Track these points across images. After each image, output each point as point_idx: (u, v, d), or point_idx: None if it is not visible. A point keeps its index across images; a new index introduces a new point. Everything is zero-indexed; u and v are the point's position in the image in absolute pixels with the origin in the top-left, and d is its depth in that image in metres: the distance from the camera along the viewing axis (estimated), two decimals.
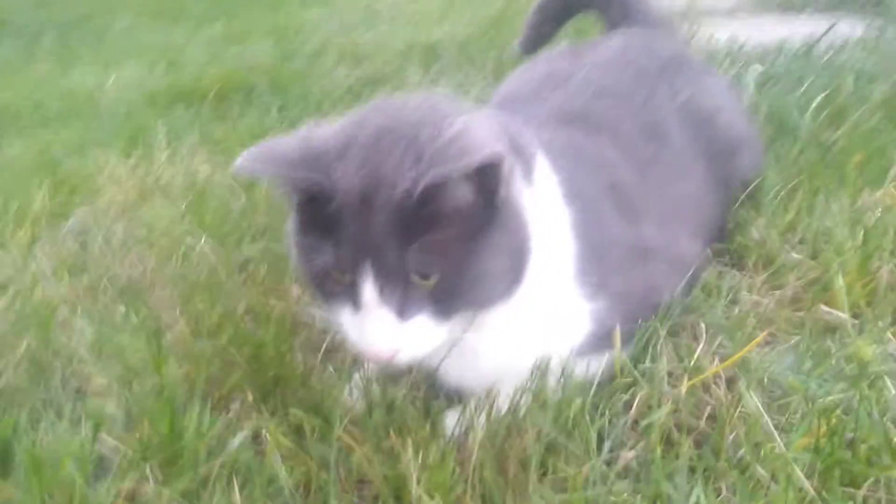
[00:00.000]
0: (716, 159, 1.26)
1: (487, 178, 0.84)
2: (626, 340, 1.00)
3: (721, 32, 2.57)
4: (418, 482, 0.81)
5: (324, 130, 0.92)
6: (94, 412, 1.00)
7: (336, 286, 0.88)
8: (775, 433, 0.84)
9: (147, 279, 1.34)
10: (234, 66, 2.70)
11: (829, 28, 2.31)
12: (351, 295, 0.87)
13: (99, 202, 1.66)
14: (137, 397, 1.00)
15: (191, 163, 1.79)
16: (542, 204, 0.96)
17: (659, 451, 0.84)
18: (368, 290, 0.85)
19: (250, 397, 1.02)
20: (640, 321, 1.02)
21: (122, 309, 1.24)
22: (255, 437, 0.96)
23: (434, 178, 0.80)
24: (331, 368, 1.07)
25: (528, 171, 0.96)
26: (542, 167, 0.99)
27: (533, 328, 0.96)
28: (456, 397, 1.00)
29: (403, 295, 0.85)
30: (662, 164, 1.19)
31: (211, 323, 1.15)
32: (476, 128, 0.86)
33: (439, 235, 0.84)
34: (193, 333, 1.14)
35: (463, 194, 0.84)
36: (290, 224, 0.94)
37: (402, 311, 0.85)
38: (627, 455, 0.88)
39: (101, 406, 1.02)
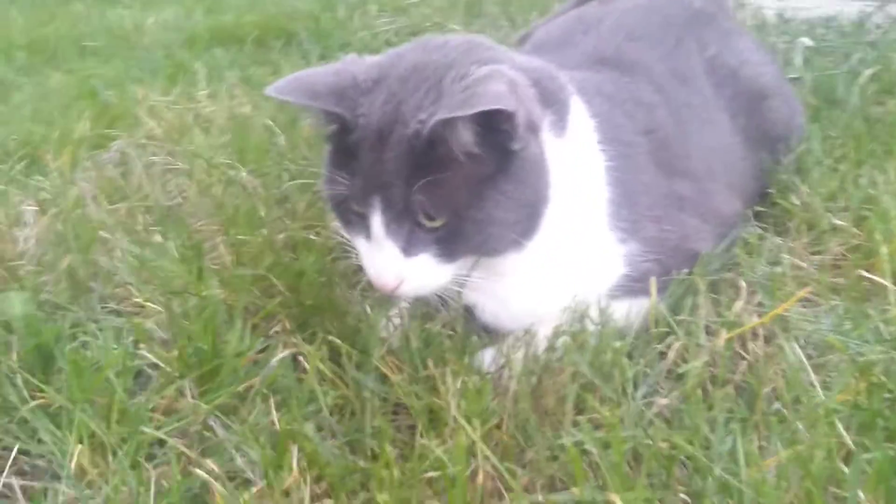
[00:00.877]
0: (744, 110, 1.25)
1: (497, 128, 0.85)
2: (661, 290, 1.00)
3: (769, 5, 2.53)
4: (456, 408, 0.82)
5: (361, 63, 0.94)
6: (135, 327, 1.01)
7: (353, 216, 0.92)
8: (817, 384, 0.84)
9: (187, 208, 1.35)
10: (274, 12, 2.69)
11: (881, 5, 2.27)
12: (364, 226, 0.90)
13: (139, 133, 1.67)
14: (177, 316, 1.01)
15: (231, 101, 1.79)
16: (576, 151, 0.97)
17: (696, 397, 0.85)
18: (377, 223, 0.88)
19: (288, 324, 1.03)
20: (674, 271, 1.02)
21: (161, 235, 1.25)
22: (293, 361, 0.97)
23: (438, 120, 0.81)
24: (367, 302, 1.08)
25: (560, 120, 0.96)
26: (578, 112, 0.99)
27: (564, 270, 0.97)
28: (491, 337, 1.01)
29: (409, 232, 0.88)
30: (694, 112, 1.18)
31: (251, 251, 1.15)
32: (498, 77, 0.87)
33: (446, 179, 0.85)
34: (233, 260, 1.15)
35: (469, 140, 0.85)
36: (323, 154, 0.97)
37: (407, 248, 0.88)
38: (662, 401, 0.88)
39: (140, 323, 1.03)
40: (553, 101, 0.95)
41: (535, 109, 0.90)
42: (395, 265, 0.89)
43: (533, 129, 0.90)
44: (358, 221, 0.91)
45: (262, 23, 2.49)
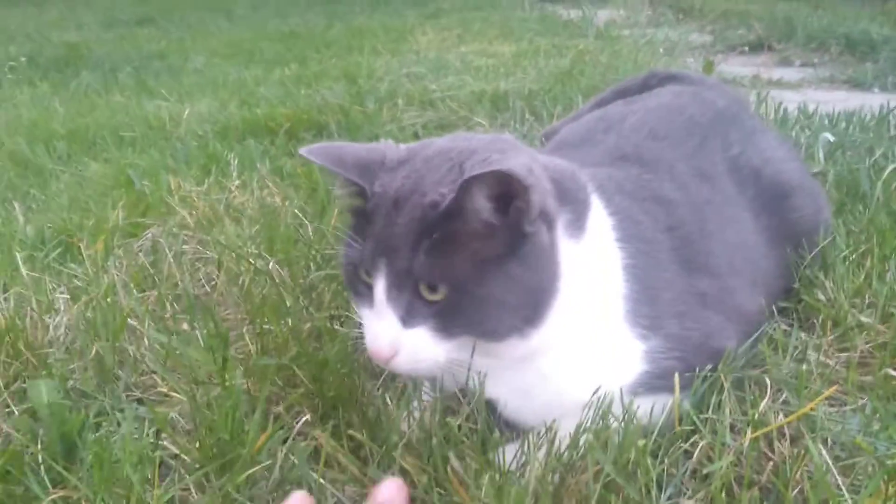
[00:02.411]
0: (767, 209, 1.25)
1: (513, 205, 0.86)
2: (685, 387, 0.99)
3: (790, 101, 2.57)
4: None
5: (393, 147, 0.98)
6: (157, 418, 1.02)
7: (362, 286, 0.93)
8: (843, 487, 0.82)
9: (215, 296, 1.38)
10: (305, 105, 2.77)
11: None
12: (370, 296, 0.91)
13: (171, 222, 1.71)
14: (200, 406, 1.01)
15: (261, 191, 1.83)
16: (593, 250, 0.97)
17: (721, 500, 0.83)
18: (380, 289, 0.89)
19: (310, 416, 1.03)
20: (698, 369, 1.01)
21: (188, 324, 1.27)
22: (314, 452, 0.96)
23: (460, 182, 0.83)
24: (388, 395, 1.08)
25: (577, 220, 0.97)
26: (597, 212, 1.01)
27: (583, 366, 0.97)
28: (514, 433, 1.00)
29: (409, 302, 0.88)
30: (717, 210, 1.18)
31: (276, 341, 1.17)
32: (519, 156, 0.89)
33: (453, 251, 0.86)
34: (258, 349, 1.16)
35: (485, 209, 0.86)
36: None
37: (406, 318, 0.89)
38: (687, 503, 0.87)
39: (164, 413, 1.04)
40: (571, 199, 0.97)
41: (551, 201, 0.92)
42: (392, 334, 0.89)
43: (546, 219, 0.91)
44: (365, 292, 0.93)
45: (294, 115, 2.57)
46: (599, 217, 1.00)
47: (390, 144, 0.99)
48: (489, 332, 0.90)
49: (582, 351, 0.97)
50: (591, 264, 0.97)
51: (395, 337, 0.89)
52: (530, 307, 0.91)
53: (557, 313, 0.92)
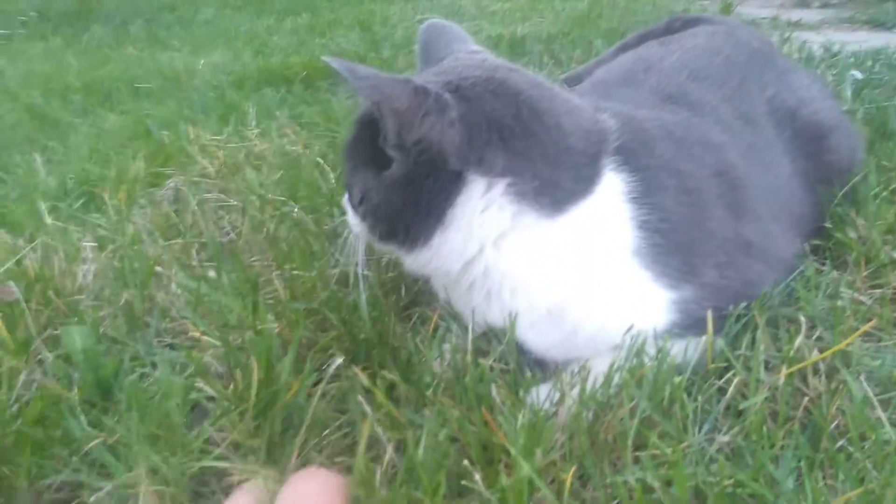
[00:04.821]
0: (803, 151, 1.23)
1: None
2: (719, 328, 0.98)
3: (814, 38, 2.52)
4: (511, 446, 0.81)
5: (473, 53, 1.09)
6: (193, 361, 1.02)
7: None
8: (884, 418, 0.81)
9: (240, 244, 1.38)
10: (319, 54, 2.74)
11: None
12: None
13: (192, 171, 1.70)
14: (233, 349, 1.02)
15: (281, 139, 1.82)
16: (581, 217, 0.95)
17: (759, 434, 0.83)
18: None
19: (342, 359, 1.04)
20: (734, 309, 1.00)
21: (216, 271, 1.27)
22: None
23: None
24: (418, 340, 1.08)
25: (552, 189, 0.94)
26: (608, 178, 0.96)
27: (604, 311, 0.96)
28: (546, 374, 1.00)
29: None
30: (759, 154, 1.17)
31: (304, 286, 1.17)
32: (412, 85, 0.91)
33: (358, 142, 0.99)
34: (288, 295, 1.16)
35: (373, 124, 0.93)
36: None
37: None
38: (723, 439, 0.87)
39: (199, 356, 1.05)
40: (543, 167, 0.93)
41: (443, 146, 0.91)
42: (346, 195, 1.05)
43: (428, 157, 0.91)
44: None
45: (310, 64, 2.54)
46: (606, 190, 0.96)
47: (467, 49, 1.10)
48: (369, 229, 0.99)
49: (594, 294, 0.95)
50: (569, 229, 0.94)
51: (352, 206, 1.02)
52: (394, 223, 0.96)
53: (445, 244, 0.95)
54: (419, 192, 0.93)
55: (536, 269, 0.95)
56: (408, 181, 0.93)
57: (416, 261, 0.99)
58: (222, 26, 4.19)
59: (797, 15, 3.64)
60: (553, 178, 0.93)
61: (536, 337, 0.99)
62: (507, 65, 1.04)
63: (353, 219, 1.04)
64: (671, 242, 0.97)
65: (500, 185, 0.92)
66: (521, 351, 1.00)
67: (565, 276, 0.95)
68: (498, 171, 0.92)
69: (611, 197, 0.96)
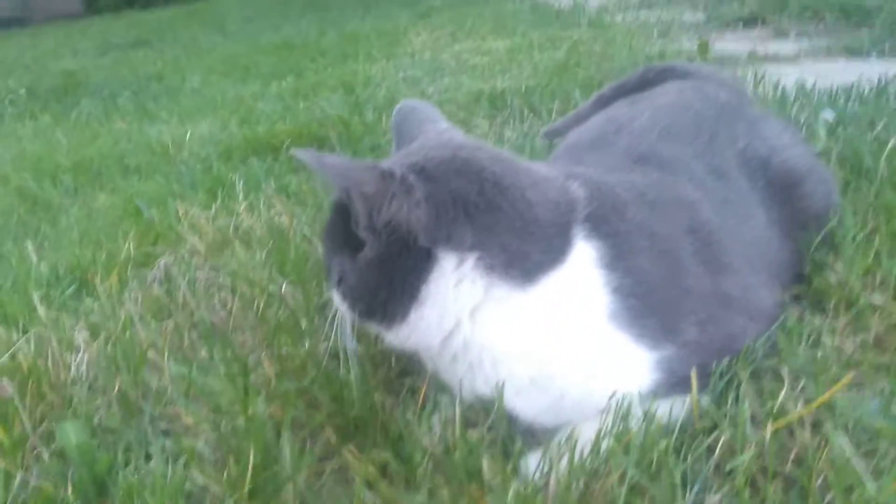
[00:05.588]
0: (778, 199, 1.25)
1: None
2: (703, 385, 0.99)
3: (787, 78, 2.56)
4: None
5: (441, 133, 1.14)
6: (186, 451, 1.03)
7: None
8: (866, 475, 0.82)
9: (231, 323, 1.39)
10: (305, 119, 2.79)
11: None
12: None
13: (182, 249, 1.73)
14: (225, 435, 1.03)
15: (268, 212, 1.85)
16: (553, 288, 0.96)
17: (746, 494, 0.84)
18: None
19: (334, 438, 1.05)
20: (715, 364, 1.01)
21: (206, 352, 1.28)
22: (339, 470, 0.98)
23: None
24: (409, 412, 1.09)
25: (523, 262, 0.95)
26: (579, 248, 0.98)
27: (587, 376, 0.97)
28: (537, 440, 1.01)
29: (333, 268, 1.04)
30: (734, 207, 1.19)
31: (294, 364, 1.18)
32: (380, 171, 0.95)
33: (335, 226, 1.02)
34: (277, 374, 1.17)
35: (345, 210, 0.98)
36: None
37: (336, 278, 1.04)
38: (713, 499, 0.87)
39: (191, 445, 1.05)
40: (515, 239, 0.96)
41: (412, 225, 0.94)
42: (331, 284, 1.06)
43: (398, 237, 0.95)
44: None
45: (295, 131, 2.59)
46: (577, 259, 0.98)
47: (437, 129, 1.15)
48: (350, 308, 1.02)
49: (574, 360, 0.97)
50: (542, 300, 0.96)
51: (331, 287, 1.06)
52: (372, 303, 0.99)
53: (421, 320, 0.97)
54: (392, 271, 0.96)
55: (514, 339, 0.97)
56: (381, 261, 0.96)
57: (396, 337, 1.02)
58: (209, 94, 4.25)
59: (774, 47, 3.70)
60: (522, 250, 0.96)
61: (524, 405, 1.00)
62: (473, 143, 1.08)
63: (335, 298, 1.06)
64: (648, 303, 0.99)
65: (470, 260, 0.95)
66: (509, 419, 1.01)
67: (544, 345, 0.97)
68: (466, 246, 0.95)
69: (582, 265, 0.98)
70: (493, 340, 0.98)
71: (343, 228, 0.99)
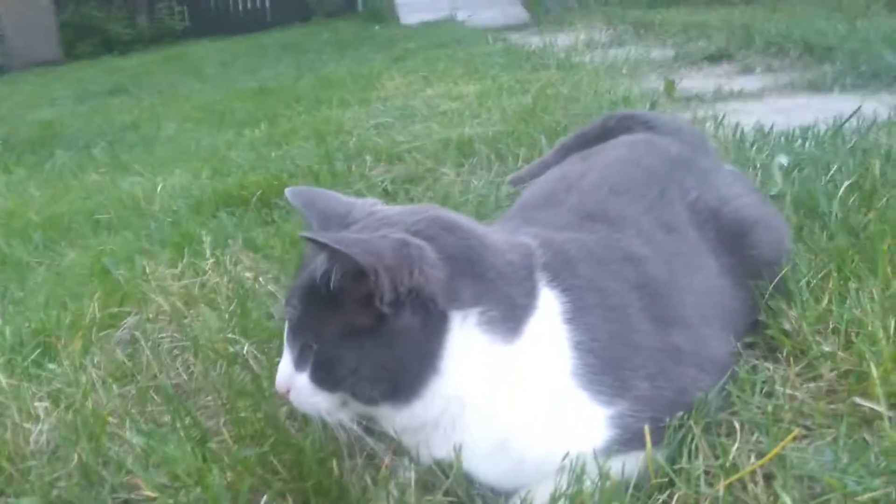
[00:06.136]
0: (728, 249, 1.27)
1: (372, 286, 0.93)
2: (658, 440, 1.00)
3: (747, 118, 2.61)
4: None
5: (365, 206, 1.10)
6: None
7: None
8: None
9: (193, 386, 1.39)
10: (276, 170, 2.80)
11: (855, 111, 2.34)
12: None
13: (148, 310, 1.72)
14: None
15: (235, 270, 1.85)
16: (532, 342, 0.99)
17: None
18: (286, 330, 1.04)
19: None
20: (670, 420, 1.02)
21: (168, 417, 1.28)
22: None
23: (327, 262, 0.94)
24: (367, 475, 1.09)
25: (507, 316, 0.98)
26: (545, 302, 1.01)
27: (543, 434, 0.98)
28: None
29: (301, 347, 1.01)
30: (684, 260, 1.20)
31: (254, 429, 1.18)
32: (392, 242, 0.95)
33: (326, 315, 0.98)
34: (236, 440, 1.17)
35: (348, 287, 0.94)
36: None
37: (298, 361, 1.01)
38: None
39: None
40: (499, 296, 0.99)
41: (433, 289, 0.95)
42: (287, 372, 1.03)
43: (420, 303, 0.95)
44: None
45: (265, 182, 2.59)
46: (546, 308, 1.01)
47: (369, 203, 1.11)
48: (357, 396, 0.99)
49: (540, 421, 0.98)
50: (524, 353, 0.99)
51: (288, 375, 1.02)
52: (392, 382, 0.97)
53: (438, 392, 0.97)
54: (411, 343, 0.96)
55: (495, 397, 0.98)
56: (402, 335, 0.96)
57: (409, 415, 0.99)
58: (184, 143, 4.27)
59: (740, 82, 3.76)
60: (509, 295, 0.99)
61: (486, 469, 1.01)
62: (430, 206, 1.11)
63: (311, 397, 1.02)
64: (602, 360, 1.00)
65: (474, 315, 0.97)
66: (470, 482, 1.02)
67: (513, 402, 0.98)
68: (469, 302, 0.97)
69: (550, 315, 1.00)
70: (481, 399, 0.99)
71: (338, 316, 0.97)
